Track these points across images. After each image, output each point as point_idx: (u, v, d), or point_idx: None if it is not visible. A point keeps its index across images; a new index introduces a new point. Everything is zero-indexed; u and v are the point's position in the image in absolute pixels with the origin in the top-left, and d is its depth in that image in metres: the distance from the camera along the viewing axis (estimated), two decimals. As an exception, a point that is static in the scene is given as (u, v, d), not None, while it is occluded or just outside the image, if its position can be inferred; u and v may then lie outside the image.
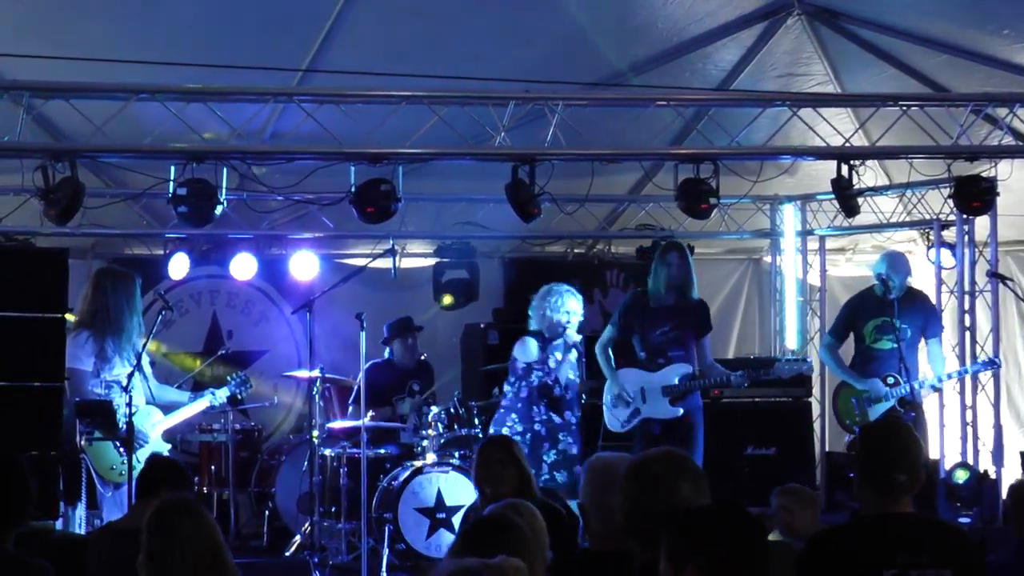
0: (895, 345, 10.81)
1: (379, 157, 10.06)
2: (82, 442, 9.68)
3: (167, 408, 10.20)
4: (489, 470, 7.36)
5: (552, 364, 10.52)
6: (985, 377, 12.36)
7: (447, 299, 13.84)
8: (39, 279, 9.94)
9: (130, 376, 9.50)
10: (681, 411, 10.57)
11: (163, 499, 5.52)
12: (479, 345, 13.71)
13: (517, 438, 10.15)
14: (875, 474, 4.93)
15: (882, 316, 10.93)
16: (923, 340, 11.30)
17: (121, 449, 9.60)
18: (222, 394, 10.59)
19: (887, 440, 5.06)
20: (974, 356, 12.38)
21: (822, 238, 14.44)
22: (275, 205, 12.46)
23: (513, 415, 10.41)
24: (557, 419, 10.43)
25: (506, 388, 10.60)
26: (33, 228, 11.80)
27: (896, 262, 11.22)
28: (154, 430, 10.01)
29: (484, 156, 10.54)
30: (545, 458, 10.29)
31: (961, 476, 11.50)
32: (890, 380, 10.79)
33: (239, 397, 11.15)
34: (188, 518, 5.27)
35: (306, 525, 11.28)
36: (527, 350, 10.51)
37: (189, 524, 5.24)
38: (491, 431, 10.52)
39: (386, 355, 12.60)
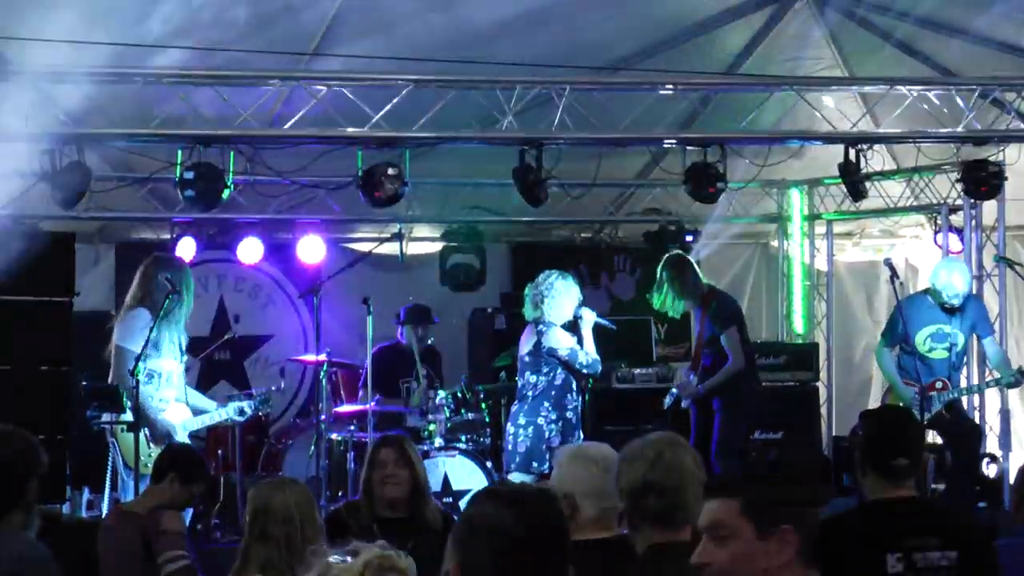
0: (948, 354, 10.74)
1: (386, 141, 10.05)
2: (110, 431, 9.72)
3: (193, 411, 10.16)
4: (383, 471, 6.91)
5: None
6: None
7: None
8: (46, 263, 9.94)
9: (137, 359, 9.47)
10: (674, 392, 11.07)
11: (263, 481, 5.83)
12: (486, 330, 13.71)
13: (552, 426, 10.20)
14: (876, 460, 4.97)
15: (936, 323, 10.75)
16: (976, 339, 11.17)
17: (150, 443, 9.63)
18: (247, 408, 10.57)
19: (886, 426, 5.11)
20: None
21: (829, 222, 14.42)
22: (282, 189, 12.46)
23: (547, 403, 10.30)
24: (580, 405, 10.46)
25: (533, 378, 10.37)
26: (40, 212, 11.79)
27: (957, 274, 10.96)
28: (183, 429, 9.98)
29: (491, 140, 10.53)
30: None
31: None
32: (938, 384, 10.68)
33: (261, 414, 11.25)
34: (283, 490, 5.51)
35: (313, 509, 11.28)
36: (564, 337, 10.37)
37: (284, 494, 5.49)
38: (521, 422, 10.34)
39: (398, 334, 12.60)
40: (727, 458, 10.54)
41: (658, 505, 4.18)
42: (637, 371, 12.81)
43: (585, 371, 10.33)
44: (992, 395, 12.26)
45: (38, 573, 4.79)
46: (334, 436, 11.56)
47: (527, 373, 10.39)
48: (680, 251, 11.84)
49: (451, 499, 10.92)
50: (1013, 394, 12.81)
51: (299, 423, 12.87)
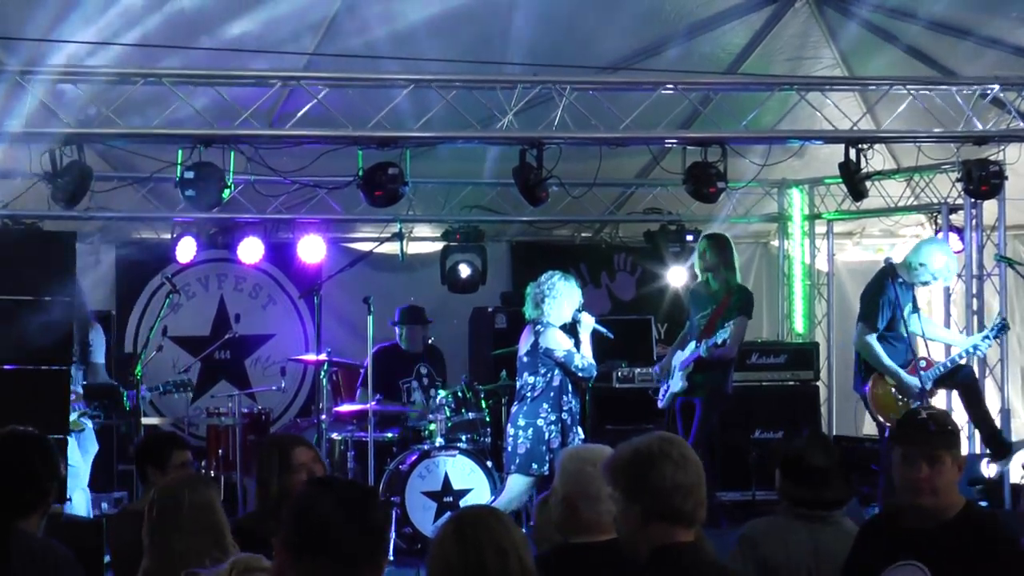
0: (915, 329, 10.69)
1: (387, 141, 10.05)
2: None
3: None
4: (302, 474, 6.23)
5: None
6: (992, 360, 12.35)
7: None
8: (47, 262, 9.93)
9: (137, 359, 9.52)
10: (684, 384, 11.22)
11: (171, 477, 5.58)
12: (487, 329, 13.71)
13: (552, 427, 10.16)
14: None
15: (908, 302, 10.54)
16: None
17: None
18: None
19: None
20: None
21: (830, 222, 14.44)
22: (282, 189, 12.46)
23: (545, 404, 10.21)
24: (577, 405, 10.42)
25: (531, 379, 10.28)
26: (41, 211, 11.80)
27: (951, 260, 10.78)
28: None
29: (492, 140, 10.53)
30: (571, 444, 10.25)
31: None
32: (922, 364, 10.57)
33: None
34: (189, 491, 5.32)
35: (314, 508, 11.27)
36: (562, 338, 10.30)
37: (189, 496, 5.29)
38: (521, 424, 10.23)
39: (397, 335, 12.61)
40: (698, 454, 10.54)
41: (686, 504, 4.14)
42: (638, 371, 12.84)
43: (581, 374, 10.27)
44: (992, 395, 12.25)
45: (66, 573, 4.81)
46: (335, 435, 11.58)
47: (525, 374, 10.36)
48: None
49: (451, 498, 10.94)
50: (1014, 395, 12.83)
51: (300, 422, 12.89)
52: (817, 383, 13.57)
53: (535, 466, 10.13)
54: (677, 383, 11.33)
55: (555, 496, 5.06)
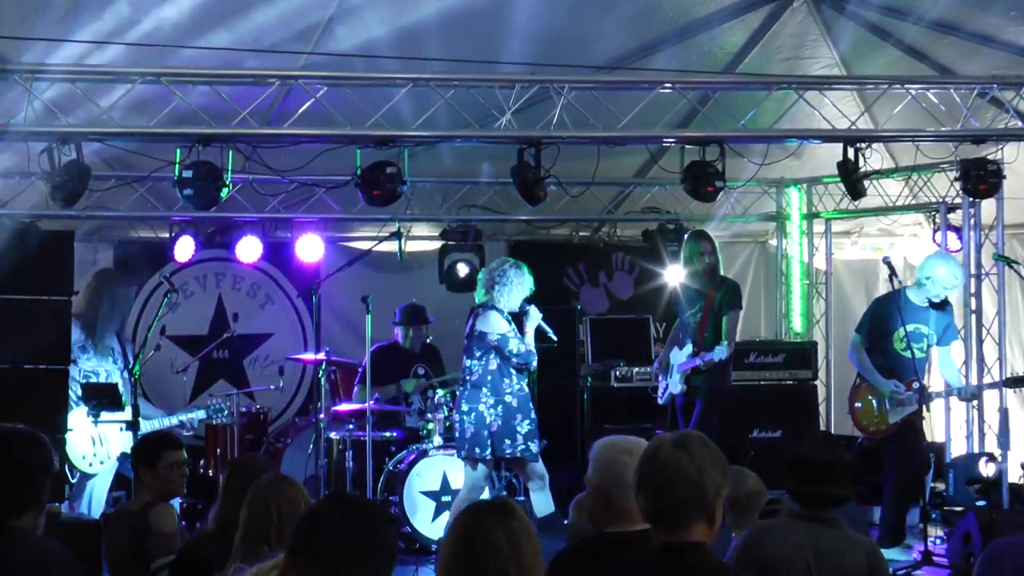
0: (924, 354, 10.75)
1: (385, 140, 10.04)
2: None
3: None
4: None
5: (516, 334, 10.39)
6: (991, 360, 12.36)
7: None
8: (45, 261, 9.93)
9: (135, 359, 9.51)
10: (683, 387, 11.27)
11: (260, 479, 5.66)
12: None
13: (491, 411, 10.13)
14: None
15: (915, 323, 10.71)
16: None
17: (97, 439, 10.07)
18: (197, 416, 10.90)
19: None
20: (980, 339, 12.38)
21: (828, 221, 14.43)
22: (280, 188, 12.45)
23: (485, 389, 10.19)
24: (525, 389, 10.36)
25: (469, 363, 10.29)
26: (39, 211, 11.77)
27: (954, 266, 10.97)
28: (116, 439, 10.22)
29: (490, 139, 10.52)
30: (519, 429, 10.19)
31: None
32: (915, 385, 10.67)
33: (214, 422, 11.50)
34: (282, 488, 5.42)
35: (312, 508, 11.26)
36: (498, 322, 10.26)
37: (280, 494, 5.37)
38: (464, 409, 10.22)
39: (396, 333, 12.61)
40: None
41: (649, 504, 4.14)
42: (636, 370, 12.85)
43: (515, 360, 10.19)
44: (991, 394, 12.24)
45: (63, 572, 4.80)
46: (333, 435, 11.58)
47: (465, 358, 10.39)
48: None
49: (450, 498, 10.94)
50: (1011, 395, 12.81)
51: (298, 422, 12.88)
52: (815, 382, 13.56)
53: (478, 450, 10.12)
54: (676, 385, 11.35)
55: (588, 485, 5.06)
